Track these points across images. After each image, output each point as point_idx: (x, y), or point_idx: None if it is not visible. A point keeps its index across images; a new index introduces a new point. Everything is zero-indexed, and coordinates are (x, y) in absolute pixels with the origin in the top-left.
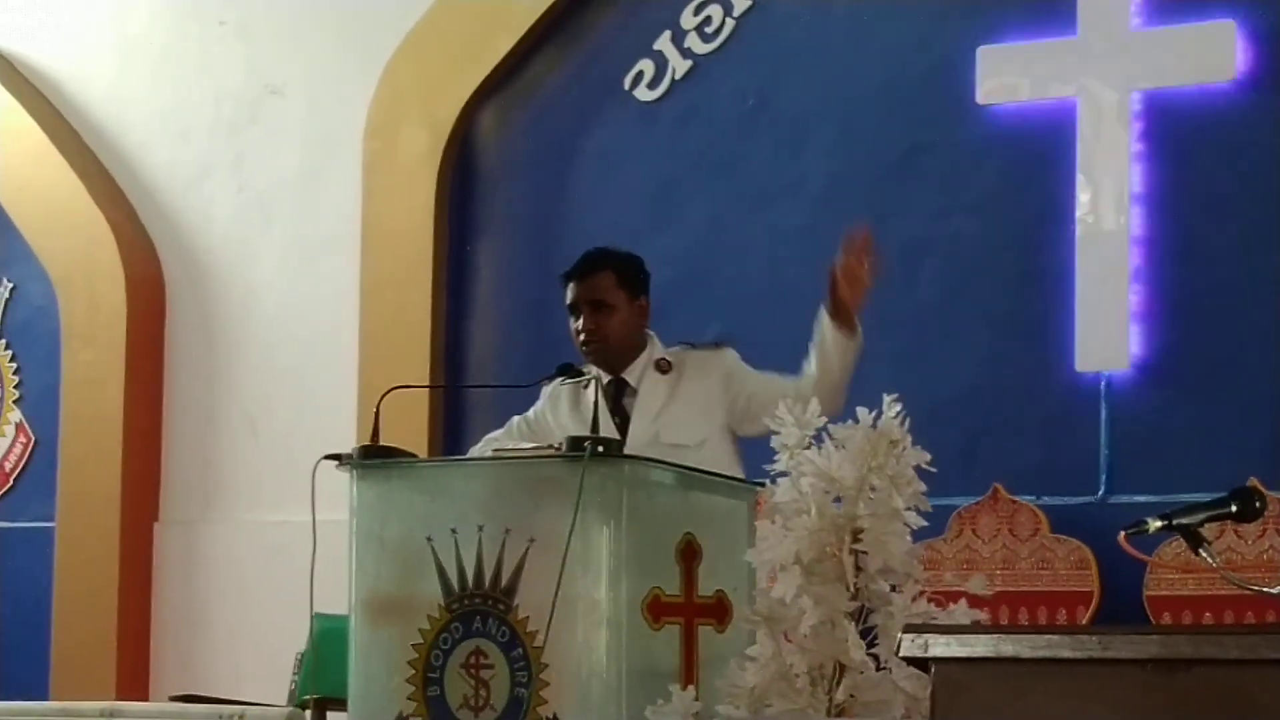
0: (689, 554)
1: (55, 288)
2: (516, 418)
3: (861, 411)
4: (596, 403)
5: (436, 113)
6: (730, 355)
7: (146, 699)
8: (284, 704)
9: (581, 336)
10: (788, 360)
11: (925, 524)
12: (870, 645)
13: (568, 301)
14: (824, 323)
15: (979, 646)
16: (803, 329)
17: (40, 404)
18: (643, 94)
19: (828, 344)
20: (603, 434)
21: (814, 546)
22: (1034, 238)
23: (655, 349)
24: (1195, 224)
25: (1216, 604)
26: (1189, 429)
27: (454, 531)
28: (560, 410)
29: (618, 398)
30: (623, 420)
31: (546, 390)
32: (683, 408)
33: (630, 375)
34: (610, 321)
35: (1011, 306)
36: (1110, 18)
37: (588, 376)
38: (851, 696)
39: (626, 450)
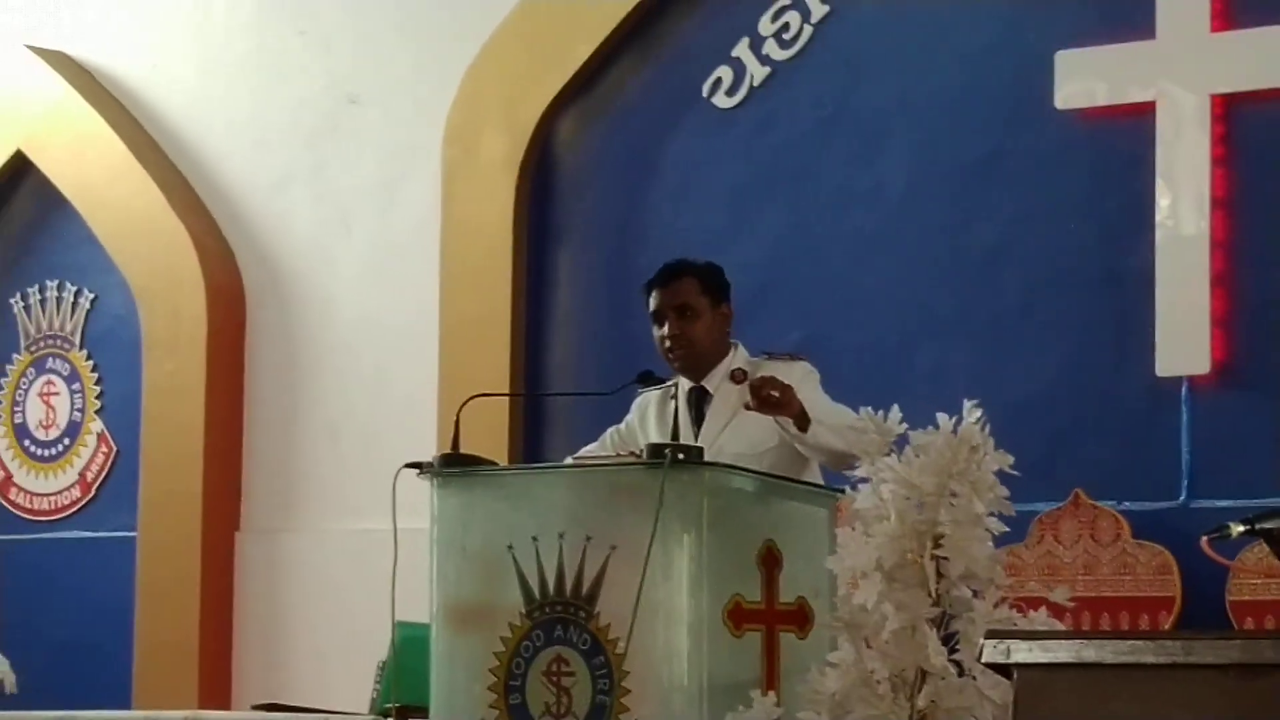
0: (770, 560)
1: (136, 297)
2: (610, 429)
3: (942, 417)
4: (676, 410)
5: (516, 119)
6: (800, 369)
7: (229, 707)
8: (366, 712)
9: (667, 343)
10: (864, 367)
11: (1007, 529)
12: (952, 651)
13: (651, 309)
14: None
15: (1061, 652)
16: (881, 335)
17: (121, 414)
18: (721, 101)
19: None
20: (683, 442)
21: (895, 553)
22: (1114, 242)
23: (737, 357)
24: (1276, 227)
25: None
26: (1270, 433)
27: (535, 539)
28: (648, 420)
29: (699, 406)
30: (700, 430)
31: (637, 401)
32: (750, 417)
33: (710, 383)
34: (695, 327)
35: (1092, 311)
36: (1189, 20)
37: (669, 383)
38: (933, 703)
39: None
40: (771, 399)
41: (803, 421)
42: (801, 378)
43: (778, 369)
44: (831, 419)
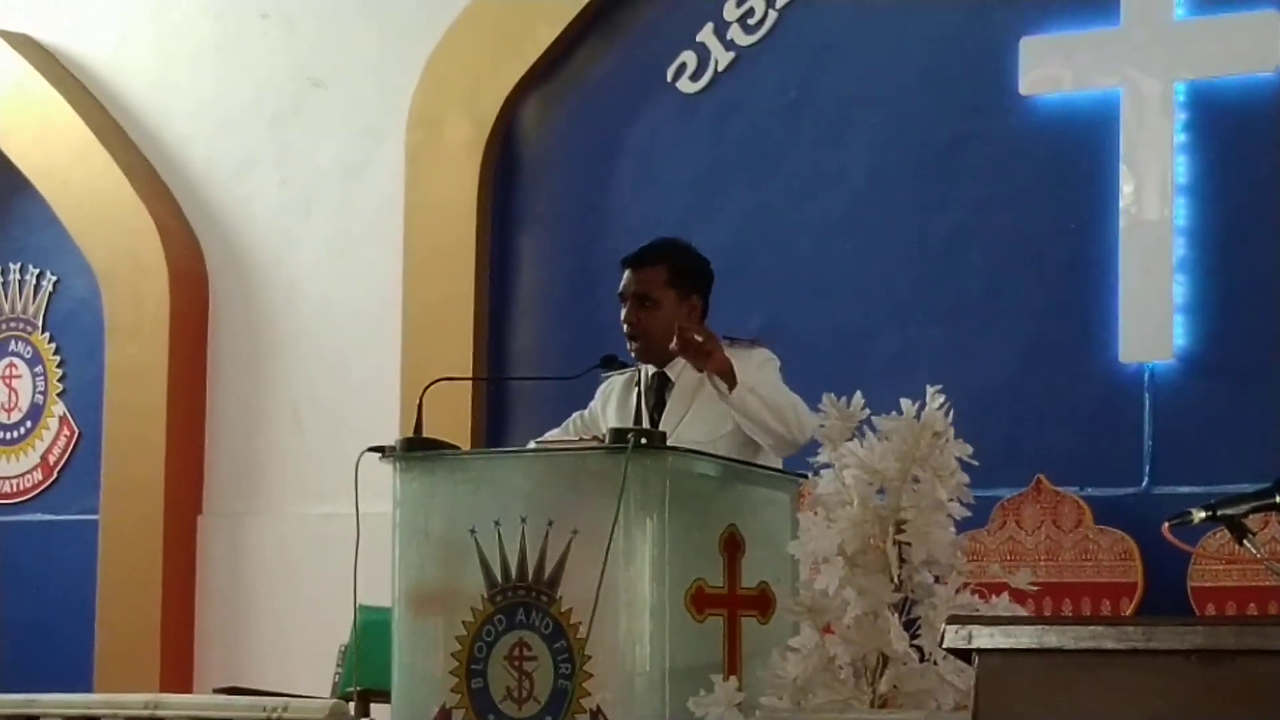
0: (732, 545)
1: (99, 281)
2: (574, 414)
3: (905, 403)
4: (639, 395)
5: (479, 104)
6: (759, 355)
7: (190, 691)
8: (328, 696)
9: (624, 327)
10: (828, 352)
11: (969, 515)
12: (914, 637)
13: (619, 288)
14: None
15: (1022, 637)
16: (845, 320)
17: (84, 397)
18: (685, 86)
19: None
20: (645, 427)
21: (857, 538)
22: (1077, 229)
23: None
24: (1239, 214)
25: (1261, 595)
26: (1233, 419)
27: (497, 523)
28: (610, 404)
29: (660, 392)
30: (661, 415)
31: (601, 386)
32: (708, 404)
33: (672, 370)
34: (654, 317)
35: (1055, 297)
36: (1153, 8)
37: (630, 369)
38: (895, 688)
39: None
40: (693, 343)
41: (730, 380)
42: (760, 364)
43: (736, 354)
44: (770, 394)
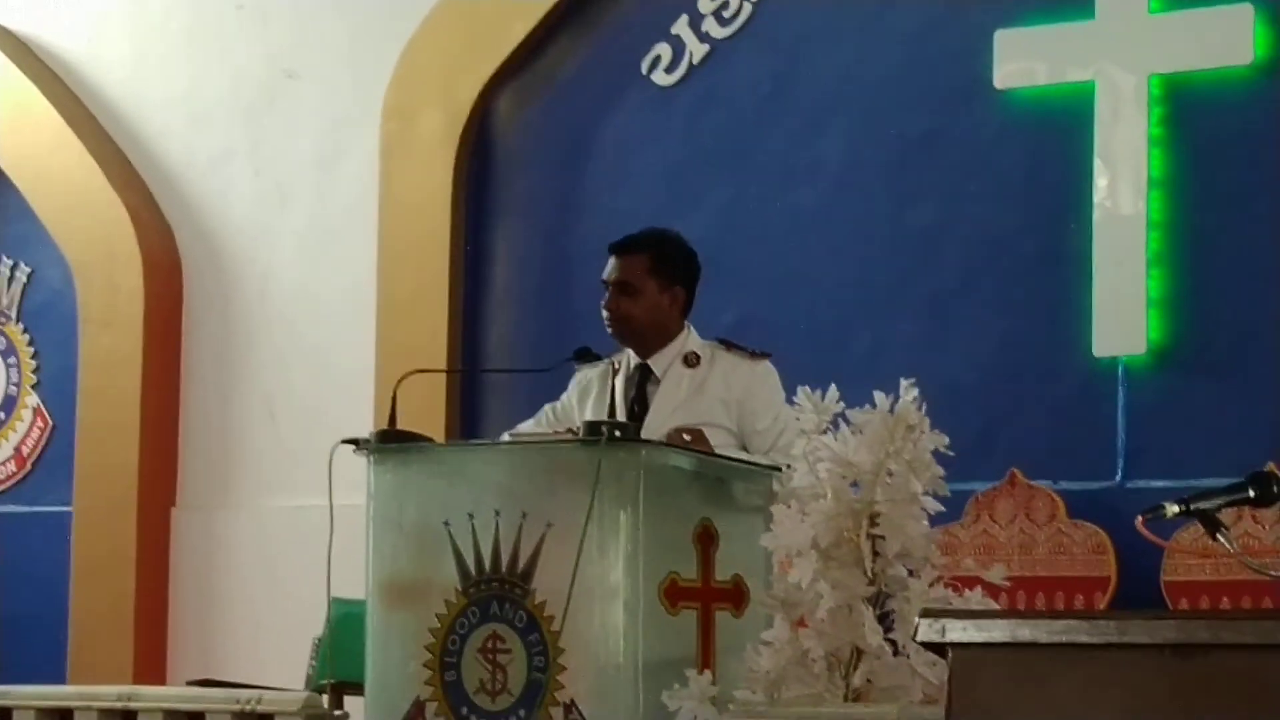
0: (706, 539)
1: (73, 272)
2: (546, 406)
3: (879, 396)
4: (613, 388)
5: (454, 96)
6: (762, 370)
7: (164, 683)
8: (301, 688)
9: (605, 314)
10: (802, 345)
11: (943, 509)
12: (887, 630)
13: (603, 275)
14: None
15: (996, 631)
16: (819, 313)
17: (57, 388)
18: (660, 78)
19: None
20: (622, 420)
21: (831, 531)
22: (1051, 222)
23: (689, 341)
24: (1213, 208)
25: (1234, 589)
26: (1206, 413)
27: (471, 516)
28: (586, 398)
29: (641, 385)
30: (642, 410)
31: (576, 378)
32: (701, 405)
33: (656, 364)
34: (634, 305)
35: (1029, 291)
36: (1128, 1)
37: (604, 361)
38: (868, 681)
39: None
40: (681, 443)
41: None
42: (761, 380)
43: (737, 364)
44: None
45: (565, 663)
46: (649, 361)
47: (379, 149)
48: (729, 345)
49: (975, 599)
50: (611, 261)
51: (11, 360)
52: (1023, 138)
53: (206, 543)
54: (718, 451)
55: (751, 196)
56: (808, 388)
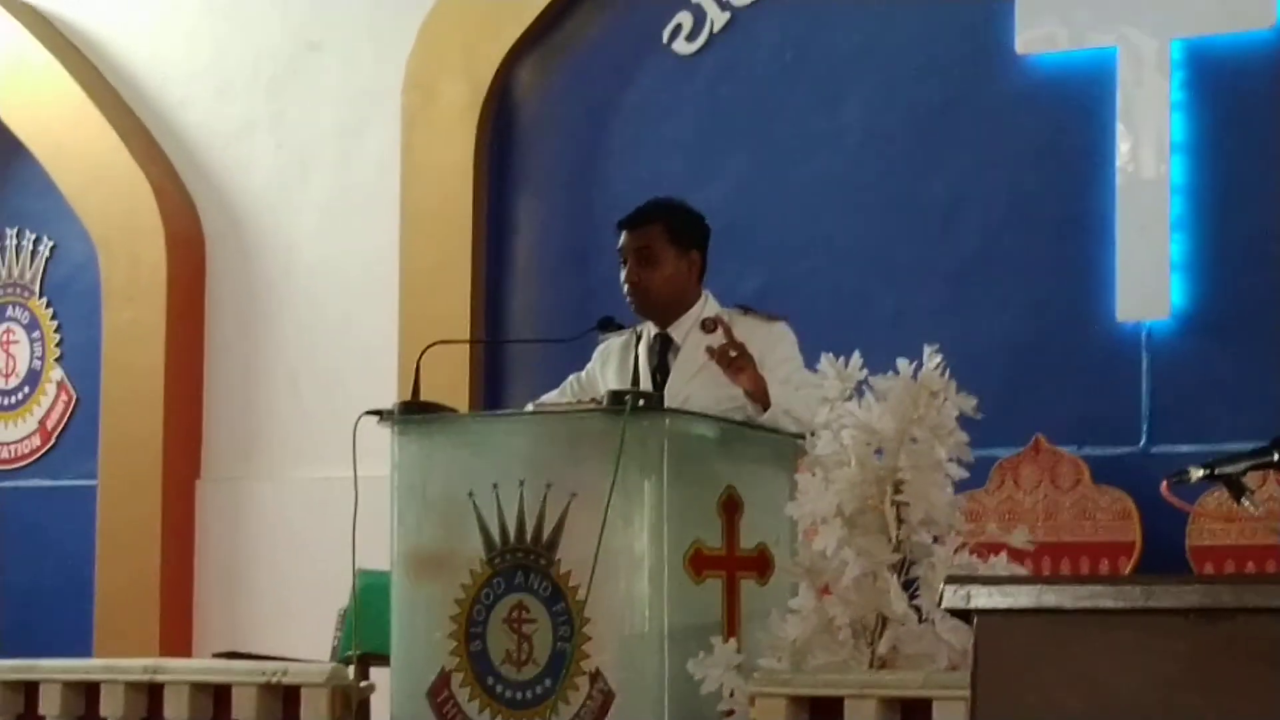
0: (730, 507)
1: (96, 246)
2: (571, 377)
3: (902, 363)
4: (636, 357)
5: (476, 66)
6: (778, 331)
7: (190, 656)
8: (327, 660)
9: (625, 286)
10: (825, 312)
11: (967, 475)
12: (912, 597)
13: (618, 248)
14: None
15: (1021, 597)
16: (842, 280)
17: (81, 362)
18: (681, 47)
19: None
20: (644, 388)
21: (855, 499)
22: (1074, 187)
23: (707, 307)
24: (1235, 172)
25: (1259, 553)
26: (1230, 378)
27: (495, 486)
28: (610, 366)
29: (663, 354)
30: (664, 378)
31: (599, 348)
32: (719, 370)
33: (676, 332)
34: (654, 274)
35: (1052, 256)
36: None
37: (627, 330)
38: (894, 649)
39: None
40: (727, 357)
41: (763, 400)
42: (779, 339)
43: (755, 326)
44: (796, 406)
45: (590, 632)
46: (669, 330)
47: (401, 120)
48: (746, 310)
49: (1000, 565)
50: (625, 236)
51: (35, 334)
52: (1045, 103)
53: (231, 515)
54: (743, 420)
55: (773, 164)
56: (831, 354)
